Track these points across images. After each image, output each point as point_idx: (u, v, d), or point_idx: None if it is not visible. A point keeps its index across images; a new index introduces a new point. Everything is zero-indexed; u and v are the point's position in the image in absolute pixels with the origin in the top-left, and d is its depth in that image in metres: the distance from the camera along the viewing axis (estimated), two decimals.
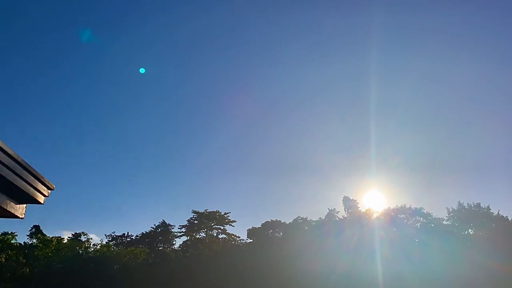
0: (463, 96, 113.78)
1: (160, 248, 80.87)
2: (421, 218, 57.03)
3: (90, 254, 52.12)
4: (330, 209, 60.26)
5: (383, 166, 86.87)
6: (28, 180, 4.40)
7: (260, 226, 76.27)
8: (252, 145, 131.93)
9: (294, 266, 49.23)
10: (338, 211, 59.81)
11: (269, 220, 78.12)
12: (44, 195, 4.81)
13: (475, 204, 55.65)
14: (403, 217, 57.41)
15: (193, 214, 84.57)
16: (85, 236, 58.29)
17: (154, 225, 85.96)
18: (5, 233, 47.68)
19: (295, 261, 49.82)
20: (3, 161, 3.95)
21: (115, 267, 49.72)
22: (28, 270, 46.27)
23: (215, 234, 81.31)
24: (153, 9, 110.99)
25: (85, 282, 47.62)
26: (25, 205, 4.75)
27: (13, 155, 4.04)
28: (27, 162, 4.28)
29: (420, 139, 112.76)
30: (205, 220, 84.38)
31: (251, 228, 77.81)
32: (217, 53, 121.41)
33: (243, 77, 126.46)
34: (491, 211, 55.13)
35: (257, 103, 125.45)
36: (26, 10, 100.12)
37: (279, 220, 77.22)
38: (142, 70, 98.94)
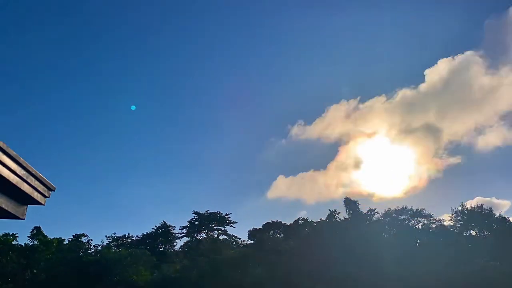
0: None
1: (161, 249, 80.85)
2: (423, 219, 56.96)
3: (90, 257, 52.04)
4: (331, 210, 60.12)
5: (384, 166, 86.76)
6: (29, 181, 4.37)
7: (261, 227, 76.16)
8: (253, 145, 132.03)
9: (295, 267, 49.13)
10: (339, 212, 59.67)
11: (270, 221, 78.00)
12: (45, 196, 4.78)
13: (478, 205, 55.67)
14: (404, 218, 57.30)
15: (194, 215, 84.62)
16: (86, 237, 58.28)
17: (155, 226, 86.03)
18: (6, 234, 47.62)
19: (295, 262, 49.73)
20: (4, 162, 3.92)
21: (117, 271, 49.65)
22: (29, 272, 46.22)
23: (215, 235, 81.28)
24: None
25: (86, 285, 47.55)
26: (25, 206, 4.72)
27: (14, 156, 4.01)
28: (28, 163, 4.25)
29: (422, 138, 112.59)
30: (205, 221, 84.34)
31: (252, 229, 77.66)
32: (205, 60, 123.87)
33: (239, 76, 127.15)
34: (493, 212, 55.16)
35: (257, 102, 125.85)
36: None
37: (280, 221, 77.10)
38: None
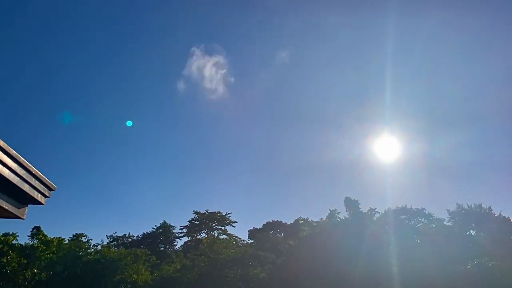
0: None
1: (161, 249, 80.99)
2: (423, 219, 56.88)
3: (90, 256, 52.09)
4: (332, 209, 60.05)
5: (384, 166, 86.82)
6: (29, 181, 4.39)
7: (261, 226, 76.29)
8: (252, 144, 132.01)
9: (295, 267, 49.17)
10: (340, 212, 59.63)
11: (270, 221, 78.13)
12: (45, 196, 4.80)
13: (476, 205, 55.46)
14: (404, 217, 57.27)
15: (194, 214, 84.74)
16: (85, 237, 58.36)
17: (155, 225, 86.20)
18: (6, 234, 47.64)
19: (295, 262, 49.76)
20: (4, 161, 3.93)
21: (117, 270, 49.69)
22: (29, 271, 46.25)
23: (216, 235, 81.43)
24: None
25: (86, 284, 47.58)
26: (26, 205, 4.73)
27: (14, 155, 4.02)
28: (28, 162, 4.26)
29: (422, 137, 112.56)
30: (206, 220, 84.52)
31: (252, 228, 77.78)
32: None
33: (240, 74, 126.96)
34: (492, 211, 54.96)
35: (256, 97, 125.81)
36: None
37: (280, 221, 77.23)
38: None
